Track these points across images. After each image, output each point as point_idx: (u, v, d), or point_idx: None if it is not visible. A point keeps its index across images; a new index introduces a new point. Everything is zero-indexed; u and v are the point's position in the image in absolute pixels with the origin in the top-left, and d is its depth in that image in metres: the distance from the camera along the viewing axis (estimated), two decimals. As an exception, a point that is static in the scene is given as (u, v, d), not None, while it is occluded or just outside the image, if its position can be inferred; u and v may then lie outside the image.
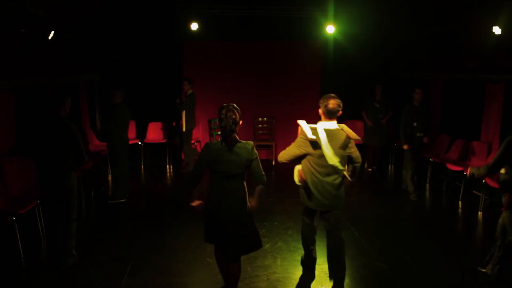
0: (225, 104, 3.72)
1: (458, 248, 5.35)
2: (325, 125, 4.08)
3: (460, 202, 6.99)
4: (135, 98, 7.97)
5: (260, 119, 9.61)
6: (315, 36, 9.27)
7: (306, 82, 9.63)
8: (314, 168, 4.09)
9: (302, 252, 4.76)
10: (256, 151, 3.78)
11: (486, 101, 7.27)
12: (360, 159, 4.27)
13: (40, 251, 5.13)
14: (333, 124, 4.11)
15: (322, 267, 4.72)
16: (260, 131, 9.67)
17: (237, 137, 3.69)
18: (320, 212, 4.30)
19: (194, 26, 8.52)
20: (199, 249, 5.14)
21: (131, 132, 8.13)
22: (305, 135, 4.05)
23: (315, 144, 4.02)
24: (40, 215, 5.38)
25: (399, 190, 7.64)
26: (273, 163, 9.16)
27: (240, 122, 3.69)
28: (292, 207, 6.65)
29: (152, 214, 6.47)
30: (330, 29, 8.42)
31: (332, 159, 3.98)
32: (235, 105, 3.72)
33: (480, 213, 6.51)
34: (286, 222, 6.02)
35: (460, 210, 6.81)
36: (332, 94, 4.14)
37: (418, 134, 7.13)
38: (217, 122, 3.74)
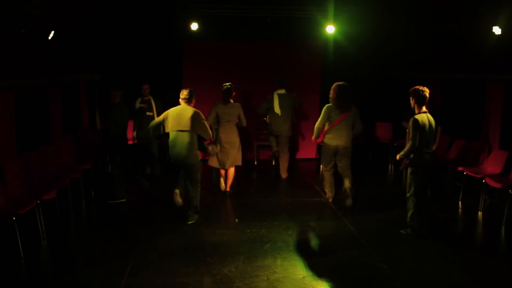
0: (224, 84, 6.85)
1: (458, 248, 5.35)
2: (277, 91, 7.78)
3: (460, 202, 6.99)
4: (135, 98, 7.96)
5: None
6: (315, 36, 9.27)
7: (306, 82, 9.62)
8: (273, 113, 7.77)
9: (302, 252, 5.03)
10: (241, 108, 6.88)
11: (486, 101, 7.27)
12: (298, 104, 8.14)
13: (40, 251, 5.13)
14: (282, 91, 7.82)
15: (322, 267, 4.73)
16: (261, 131, 9.66)
17: (232, 101, 6.83)
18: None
19: (194, 26, 8.51)
20: (199, 249, 5.16)
21: (130, 132, 8.10)
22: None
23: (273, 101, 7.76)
24: (40, 215, 5.38)
25: (399, 191, 7.64)
26: (273, 163, 9.14)
27: (234, 93, 6.87)
28: (292, 207, 6.66)
29: (152, 214, 6.46)
30: (330, 29, 8.42)
31: (276, 109, 7.76)
32: (230, 83, 6.87)
33: (480, 213, 6.51)
34: (286, 222, 6.02)
35: (460, 210, 6.81)
36: (278, 76, 7.98)
37: (424, 149, 5.41)
38: (221, 94, 6.79)
